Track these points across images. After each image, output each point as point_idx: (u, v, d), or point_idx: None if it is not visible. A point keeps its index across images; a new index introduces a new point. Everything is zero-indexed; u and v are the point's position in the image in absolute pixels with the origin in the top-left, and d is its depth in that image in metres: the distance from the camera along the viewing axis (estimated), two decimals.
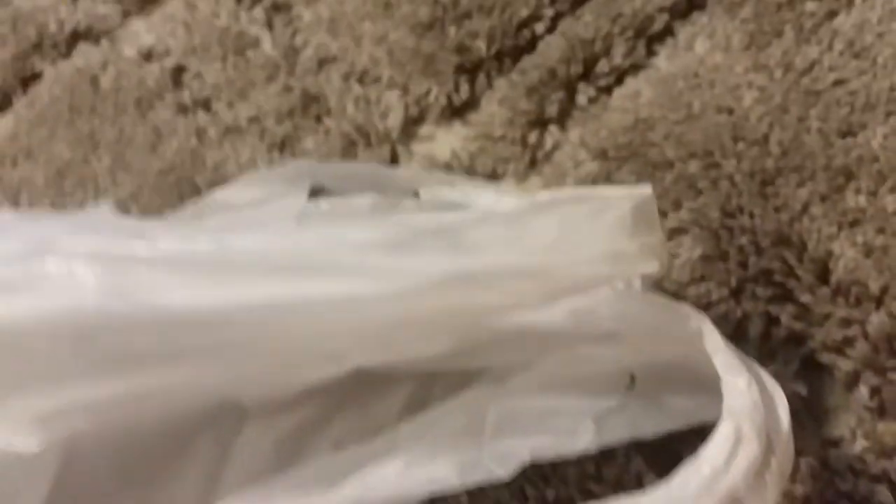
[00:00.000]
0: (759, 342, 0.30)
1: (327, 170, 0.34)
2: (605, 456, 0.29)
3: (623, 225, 0.24)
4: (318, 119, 0.42)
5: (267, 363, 0.24)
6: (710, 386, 0.26)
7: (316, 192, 0.35)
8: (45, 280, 0.24)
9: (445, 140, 0.40)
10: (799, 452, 0.26)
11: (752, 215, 0.32)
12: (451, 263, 0.23)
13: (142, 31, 0.46)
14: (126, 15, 0.47)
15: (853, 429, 0.28)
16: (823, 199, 0.32)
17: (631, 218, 0.24)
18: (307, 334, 0.23)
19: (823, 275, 0.31)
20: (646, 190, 0.25)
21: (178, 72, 0.44)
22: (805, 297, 0.30)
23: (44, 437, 0.26)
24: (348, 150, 0.40)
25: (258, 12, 0.45)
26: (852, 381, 0.29)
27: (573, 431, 0.25)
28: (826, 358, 0.30)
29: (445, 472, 0.26)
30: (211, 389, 0.30)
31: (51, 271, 0.24)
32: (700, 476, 0.22)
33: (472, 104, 0.41)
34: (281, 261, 0.24)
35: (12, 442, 0.26)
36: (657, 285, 0.29)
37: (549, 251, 0.23)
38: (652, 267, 0.24)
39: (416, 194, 0.33)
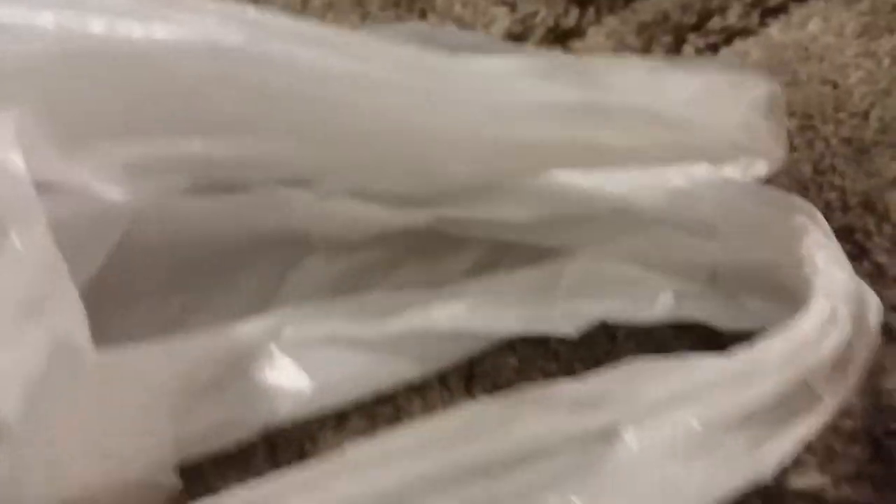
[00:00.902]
0: None
1: (438, 35, 0.34)
2: (660, 353, 0.29)
3: (759, 104, 0.24)
4: (423, 14, 0.42)
5: (374, 155, 0.24)
6: (792, 294, 0.26)
7: None
8: (185, 19, 0.24)
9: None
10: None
11: (843, 175, 0.33)
12: (586, 95, 0.23)
13: None
14: None
15: None
16: None
17: (767, 101, 0.24)
18: (429, 129, 0.23)
19: None
20: (776, 86, 0.25)
21: None
22: (881, 258, 0.31)
23: (128, 189, 0.26)
24: None
25: None
26: None
27: (651, 299, 0.25)
28: (892, 318, 0.30)
29: (511, 320, 0.26)
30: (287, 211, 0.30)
31: (190, 13, 0.24)
32: (786, 344, 0.22)
33: (577, 32, 0.41)
34: (413, 58, 0.24)
35: (97, 185, 0.26)
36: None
37: (686, 105, 0.23)
38: (780, 152, 0.24)
39: None
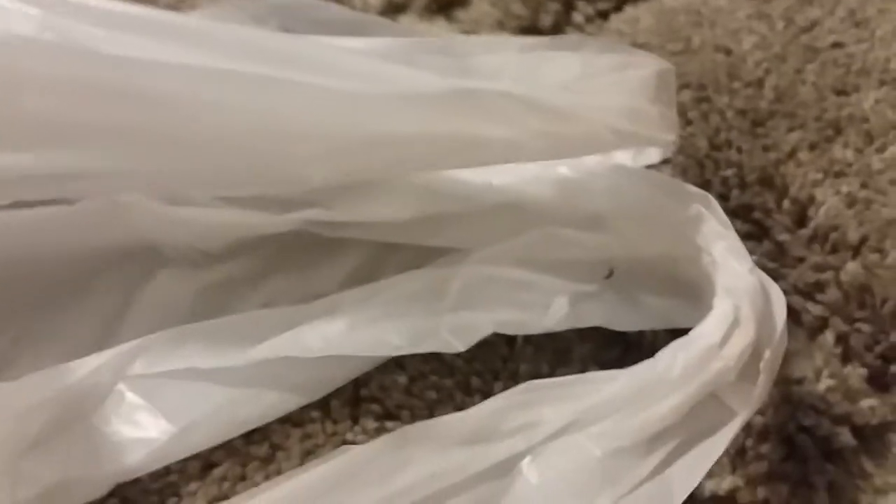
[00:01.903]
0: None
1: (303, 9, 0.30)
2: (560, 359, 0.27)
3: (645, 86, 0.21)
4: None
5: (225, 156, 0.20)
6: (691, 290, 0.24)
7: None
8: None
9: (427, 34, 0.38)
10: None
11: (739, 150, 0.31)
12: (455, 81, 0.20)
13: None
14: None
15: (819, 369, 0.27)
16: (812, 147, 0.31)
17: (654, 82, 0.22)
18: (273, 125, 0.19)
19: (802, 219, 0.30)
20: (666, 64, 0.23)
21: None
22: (782, 237, 0.29)
23: None
24: None
25: None
26: (820, 326, 0.28)
27: (545, 307, 0.23)
28: (795, 301, 0.28)
29: (394, 337, 0.23)
30: (127, 224, 0.26)
31: None
32: (689, 354, 0.20)
33: (461, 1, 0.38)
34: (262, 43, 0.20)
35: None
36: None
37: (565, 90, 0.20)
38: (669, 137, 0.21)
39: None
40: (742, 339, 0.20)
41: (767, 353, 0.20)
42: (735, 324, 0.20)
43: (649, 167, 0.25)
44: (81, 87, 0.19)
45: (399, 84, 0.19)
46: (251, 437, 0.24)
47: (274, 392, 0.24)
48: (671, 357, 0.20)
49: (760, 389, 0.20)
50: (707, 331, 0.20)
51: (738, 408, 0.20)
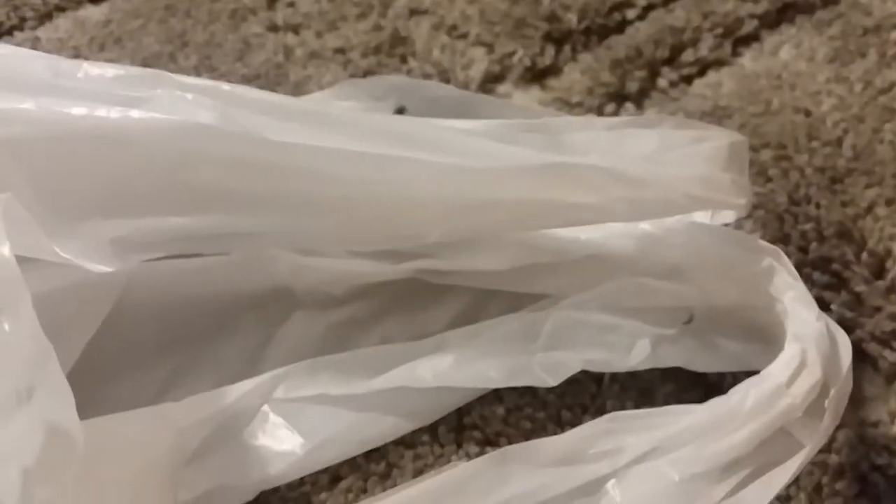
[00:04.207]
0: None
1: (417, 89, 0.35)
2: (644, 397, 0.29)
3: (718, 156, 0.24)
4: (403, 59, 0.43)
5: (354, 220, 0.25)
6: (765, 335, 0.27)
7: (399, 113, 0.36)
8: (161, 100, 0.25)
9: (521, 101, 0.42)
10: (838, 425, 0.26)
11: (818, 206, 0.33)
12: (548, 156, 0.23)
13: None
14: None
15: (893, 412, 0.28)
16: (889, 202, 0.33)
17: (727, 152, 0.25)
18: (399, 195, 0.24)
19: (880, 271, 0.32)
20: (739, 136, 0.26)
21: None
22: (860, 288, 0.31)
23: (115, 263, 0.27)
24: None
25: None
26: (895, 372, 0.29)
27: (628, 348, 0.26)
28: (873, 348, 0.30)
29: (493, 372, 0.27)
30: (274, 267, 0.31)
31: (166, 94, 0.25)
32: (760, 391, 0.22)
33: (553, 70, 0.42)
34: (386, 127, 0.25)
35: (84, 261, 0.27)
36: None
37: (646, 162, 0.23)
38: (741, 201, 0.24)
39: None
40: (808, 379, 0.22)
41: (833, 392, 0.22)
42: (802, 365, 0.22)
43: (727, 224, 0.27)
44: (250, 164, 0.24)
45: (503, 159, 0.23)
46: (371, 455, 0.28)
47: (391, 417, 0.27)
48: (743, 393, 0.22)
49: (826, 425, 0.22)
50: (776, 371, 0.22)
51: (806, 441, 0.22)
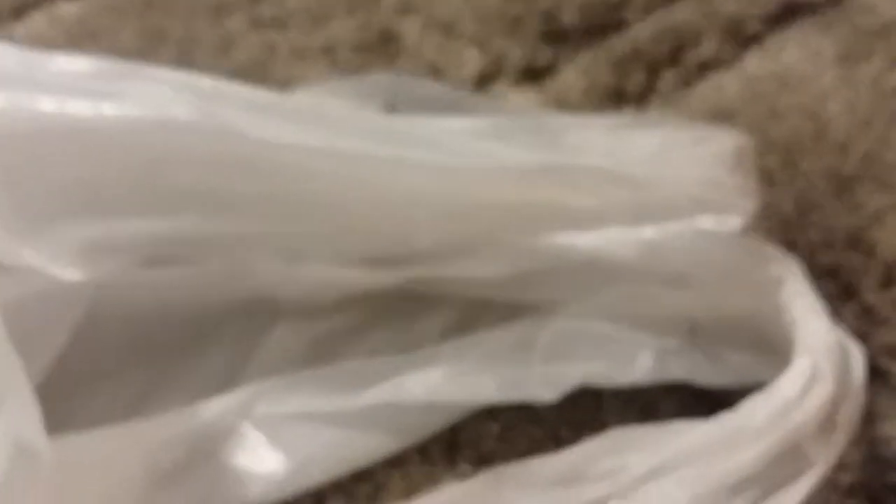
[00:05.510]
0: None
1: (408, 87, 0.33)
2: (646, 413, 0.28)
3: (723, 159, 0.23)
4: (393, 58, 0.42)
5: (341, 223, 0.23)
6: (772, 348, 0.25)
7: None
8: (137, 94, 0.23)
9: (517, 101, 0.40)
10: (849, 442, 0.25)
11: (826, 212, 0.32)
12: (546, 157, 0.22)
13: None
14: None
15: None
16: None
17: (732, 154, 0.23)
18: (389, 196, 0.22)
19: (889, 280, 0.30)
20: (744, 138, 0.25)
21: None
22: (870, 297, 0.30)
23: (86, 269, 0.25)
24: None
25: None
26: None
27: (630, 360, 0.24)
28: (883, 362, 0.29)
29: (487, 387, 0.25)
30: (254, 278, 0.30)
31: (143, 88, 0.23)
32: (770, 406, 0.21)
33: (550, 70, 0.40)
34: (375, 124, 0.23)
35: (53, 267, 0.25)
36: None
37: (648, 163, 0.22)
38: (747, 204, 0.23)
39: None
40: (820, 394, 0.21)
41: (845, 408, 0.21)
42: (813, 379, 0.21)
43: (733, 230, 0.26)
44: (231, 163, 0.22)
45: (498, 159, 0.22)
46: (358, 475, 0.26)
47: (379, 435, 0.26)
48: (752, 409, 0.21)
49: (838, 442, 0.21)
50: (786, 385, 0.21)
51: (817, 458, 0.21)
